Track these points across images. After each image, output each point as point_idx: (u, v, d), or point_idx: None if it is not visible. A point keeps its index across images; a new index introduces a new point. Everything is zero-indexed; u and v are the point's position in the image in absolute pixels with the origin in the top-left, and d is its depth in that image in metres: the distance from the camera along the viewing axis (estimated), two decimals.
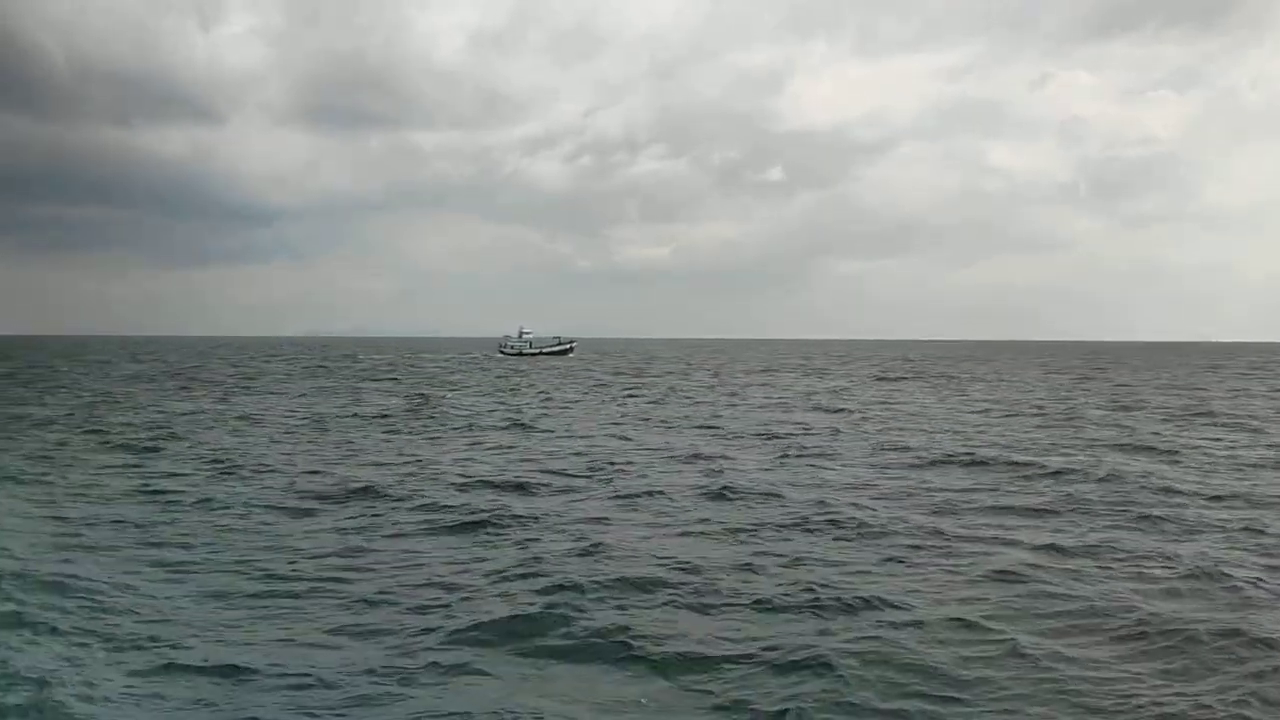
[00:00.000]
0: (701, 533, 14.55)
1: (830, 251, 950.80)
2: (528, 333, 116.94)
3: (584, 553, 12.99)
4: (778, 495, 17.49)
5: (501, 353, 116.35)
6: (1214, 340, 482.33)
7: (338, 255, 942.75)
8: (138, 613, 10.40)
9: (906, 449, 24.35)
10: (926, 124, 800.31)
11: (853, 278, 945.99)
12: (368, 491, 17.94)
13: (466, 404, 41.39)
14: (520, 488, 18.64)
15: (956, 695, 8.15)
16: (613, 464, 21.80)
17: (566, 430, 30.09)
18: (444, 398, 45.06)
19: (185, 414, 34.99)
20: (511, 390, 52.00)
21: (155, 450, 24.31)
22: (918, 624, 9.82)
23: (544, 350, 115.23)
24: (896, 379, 66.10)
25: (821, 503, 16.56)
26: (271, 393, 48.24)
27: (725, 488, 18.12)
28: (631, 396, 46.77)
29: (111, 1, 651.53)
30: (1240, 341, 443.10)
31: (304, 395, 46.47)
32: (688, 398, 45.94)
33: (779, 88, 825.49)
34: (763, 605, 10.61)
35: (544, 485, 19.01)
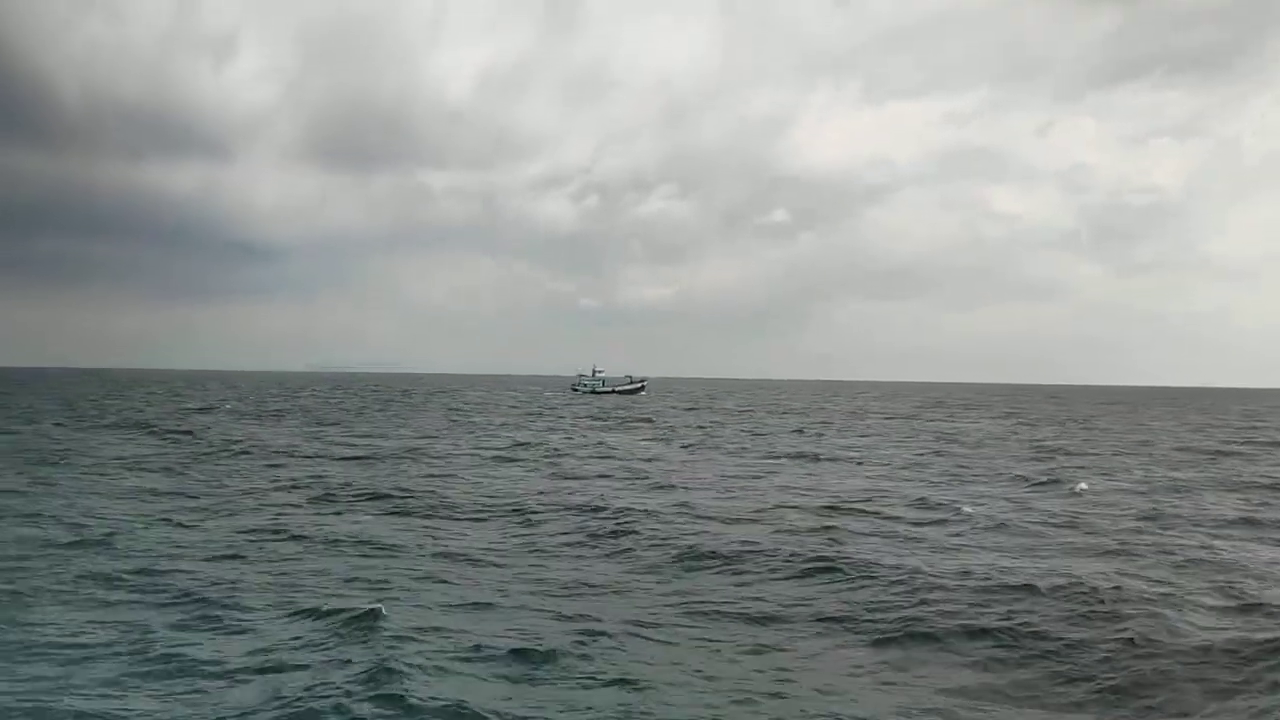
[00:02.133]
0: None
1: (832, 294, 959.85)
2: (600, 371, 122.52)
3: None
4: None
5: (574, 390, 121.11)
6: (1212, 386, 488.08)
7: (343, 292, 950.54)
8: None
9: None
10: (930, 169, 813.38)
11: (854, 320, 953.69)
12: None
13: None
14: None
15: None
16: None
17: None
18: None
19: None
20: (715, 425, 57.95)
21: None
22: None
23: (617, 389, 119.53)
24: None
25: None
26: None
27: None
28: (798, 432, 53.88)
29: (125, 39, 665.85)
30: (1239, 388, 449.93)
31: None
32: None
33: (785, 131, 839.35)
34: None
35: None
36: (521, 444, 41.72)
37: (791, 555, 16.79)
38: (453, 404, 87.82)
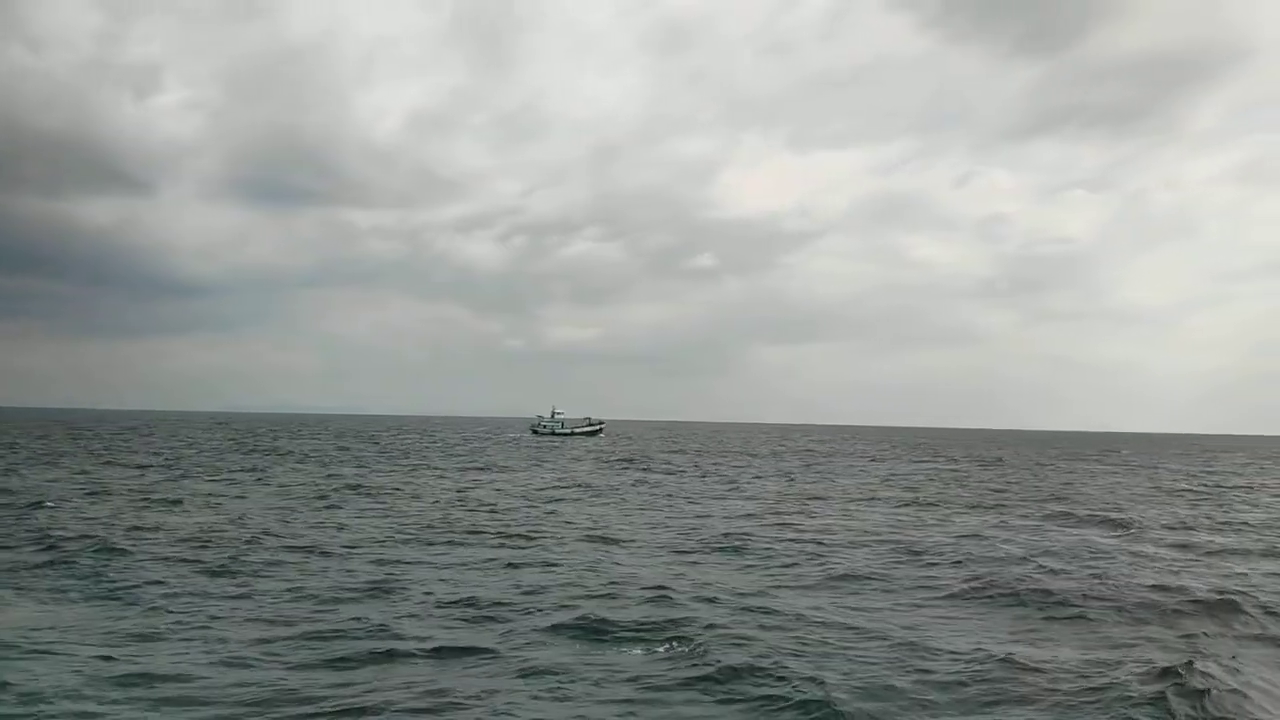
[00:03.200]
0: None
1: (757, 337, 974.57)
2: (560, 413, 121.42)
3: None
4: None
5: (535, 433, 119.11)
6: (1117, 431, 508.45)
7: (263, 331, 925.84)
8: None
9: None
10: (854, 217, 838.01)
11: (778, 364, 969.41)
12: None
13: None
14: None
15: None
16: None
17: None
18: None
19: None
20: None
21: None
22: None
23: (576, 430, 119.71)
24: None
25: None
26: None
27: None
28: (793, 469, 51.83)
29: (49, 69, 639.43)
30: (1144, 433, 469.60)
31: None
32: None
33: (713, 177, 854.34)
34: None
35: None
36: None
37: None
38: (432, 446, 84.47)
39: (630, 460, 67.79)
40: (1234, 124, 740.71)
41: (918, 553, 22.31)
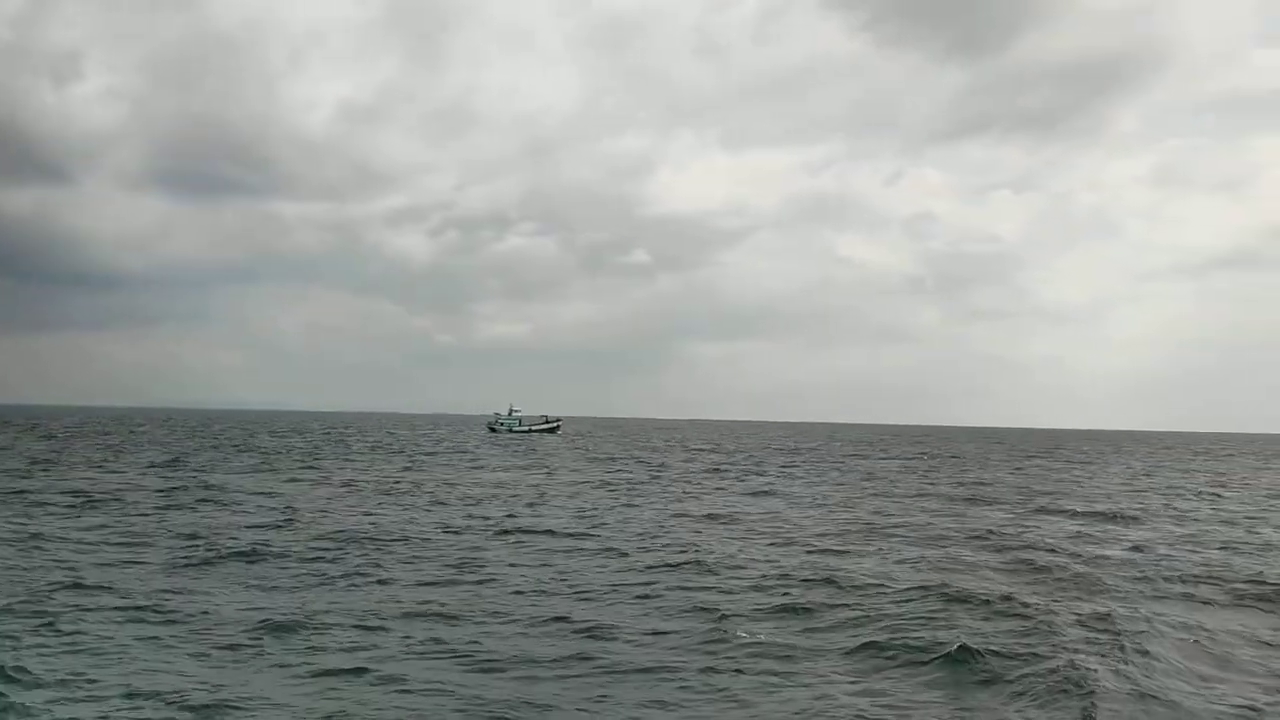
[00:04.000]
0: None
1: (690, 334, 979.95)
2: (517, 411, 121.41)
3: None
4: None
5: (493, 430, 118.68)
6: (1041, 427, 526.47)
7: (187, 325, 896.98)
8: None
9: None
10: (786, 215, 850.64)
11: (711, 361, 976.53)
12: None
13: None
14: None
15: None
16: None
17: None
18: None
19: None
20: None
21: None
22: None
23: (534, 428, 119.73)
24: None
25: None
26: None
27: None
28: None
29: None
30: (1066, 429, 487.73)
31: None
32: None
33: (647, 174, 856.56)
34: None
35: None
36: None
37: None
38: (413, 445, 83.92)
39: (613, 458, 68.79)
40: (1152, 128, 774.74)
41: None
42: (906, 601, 16.27)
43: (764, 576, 18.60)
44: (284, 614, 14.49)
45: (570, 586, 17.61)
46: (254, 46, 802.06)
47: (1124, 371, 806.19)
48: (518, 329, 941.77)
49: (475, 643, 13.28)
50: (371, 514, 28.31)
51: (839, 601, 16.22)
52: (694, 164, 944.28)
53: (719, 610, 15.32)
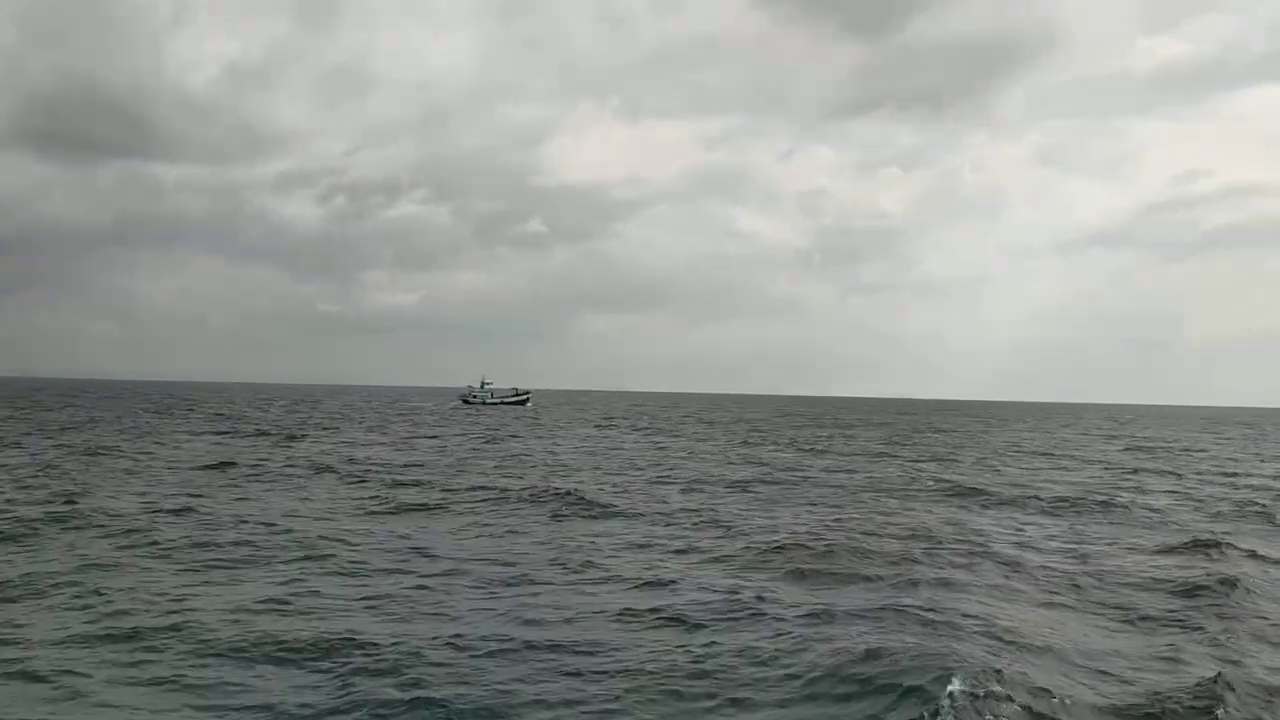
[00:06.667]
0: None
1: (585, 306, 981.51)
2: (489, 383, 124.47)
3: None
4: None
5: (465, 402, 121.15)
6: (919, 398, 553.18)
7: (53, 291, 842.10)
8: None
9: None
10: (681, 188, 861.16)
11: (606, 332, 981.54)
12: None
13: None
14: None
15: None
16: None
17: None
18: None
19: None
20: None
21: None
22: None
23: (504, 400, 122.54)
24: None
25: None
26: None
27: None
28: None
29: None
30: (945, 399, 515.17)
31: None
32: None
33: (544, 144, 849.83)
34: None
35: None
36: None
37: None
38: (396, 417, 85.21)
39: (611, 421, 72.83)
40: (1036, 110, 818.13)
41: None
42: None
43: None
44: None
45: None
46: (136, 0, 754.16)
47: (996, 345, 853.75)
48: (407, 298, 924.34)
49: None
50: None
51: None
52: (592, 134, 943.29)
53: None
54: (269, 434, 52.17)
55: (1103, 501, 26.72)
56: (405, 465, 34.98)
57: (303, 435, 52.02)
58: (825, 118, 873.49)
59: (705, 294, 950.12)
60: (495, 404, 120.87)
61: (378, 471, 31.97)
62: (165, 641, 11.33)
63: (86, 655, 10.79)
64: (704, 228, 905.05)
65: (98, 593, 13.56)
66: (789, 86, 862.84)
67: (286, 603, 13.32)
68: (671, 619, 12.62)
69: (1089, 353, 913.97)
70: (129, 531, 18.53)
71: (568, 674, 10.36)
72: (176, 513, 20.88)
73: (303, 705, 9.38)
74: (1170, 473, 39.22)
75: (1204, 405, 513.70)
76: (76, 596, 13.38)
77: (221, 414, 78.77)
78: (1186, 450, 57.50)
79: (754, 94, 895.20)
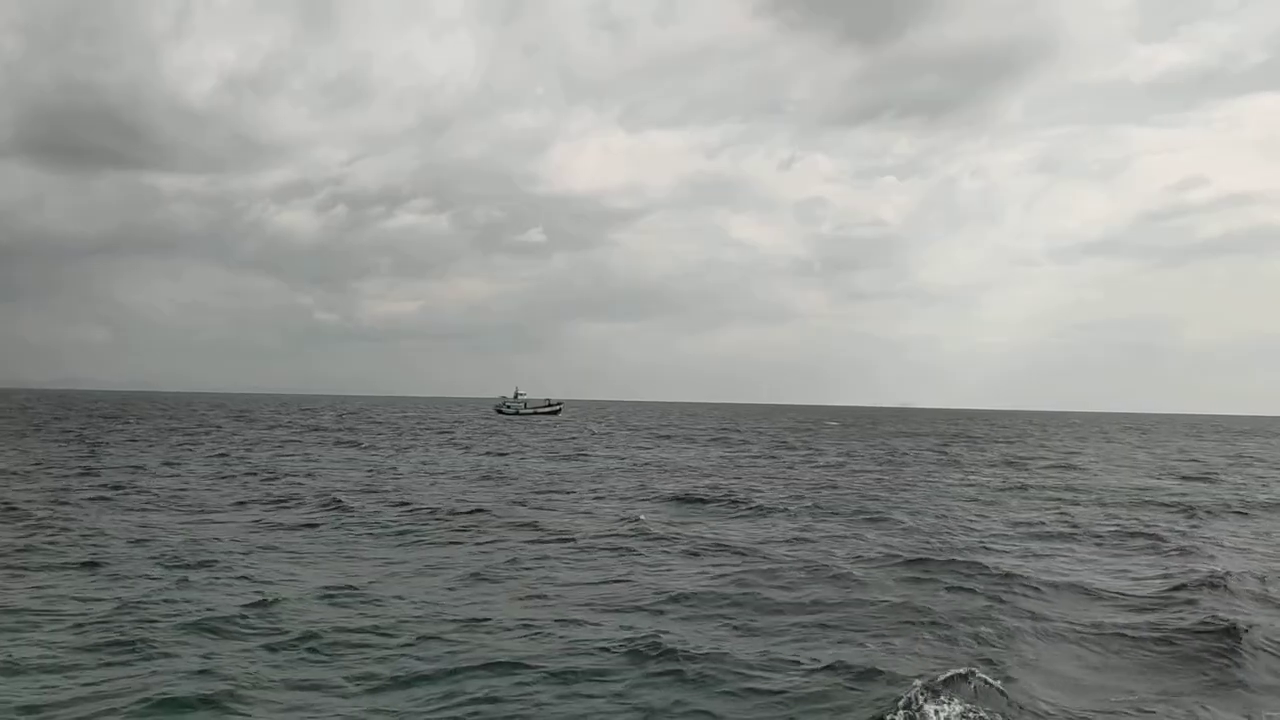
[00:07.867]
0: None
1: (583, 313, 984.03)
2: (523, 393, 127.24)
3: None
4: None
5: (500, 413, 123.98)
6: (916, 407, 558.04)
7: (50, 300, 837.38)
8: None
9: None
10: (680, 196, 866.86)
11: (602, 340, 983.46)
12: None
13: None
14: None
15: None
16: None
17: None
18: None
19: None
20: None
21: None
22: None
23: (538, 410, 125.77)
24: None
25: None
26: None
27: None
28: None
29: None
30: (941, 408, 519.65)
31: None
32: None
33: (544, 152, 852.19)
34: None
35: None
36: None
37: None
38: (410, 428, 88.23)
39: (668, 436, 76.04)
40: (1034, 118, 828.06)
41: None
42: None
43: None
44: None
45: None
46: (134, 9, 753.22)
47: (993, 353, 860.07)
48: (406, 308, 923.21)
49: None
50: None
51: None
52: (592, 142, 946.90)
53: None
54: (385, 446, 55.85)
55: None
56: (547, 475, 39.24)
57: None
58: (824, 126, 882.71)
59: (702, 301, 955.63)
60: (530, 414, 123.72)
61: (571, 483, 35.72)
62: None
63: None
64: (701, 236, 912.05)
65: None
66: (788, 94, 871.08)
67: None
68: None
69: (1087, 360, 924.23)
70: None
71: None
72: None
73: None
74: None
75: (1193, 413, 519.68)
76: None
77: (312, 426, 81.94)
78: None
79: (753, 102, 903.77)
